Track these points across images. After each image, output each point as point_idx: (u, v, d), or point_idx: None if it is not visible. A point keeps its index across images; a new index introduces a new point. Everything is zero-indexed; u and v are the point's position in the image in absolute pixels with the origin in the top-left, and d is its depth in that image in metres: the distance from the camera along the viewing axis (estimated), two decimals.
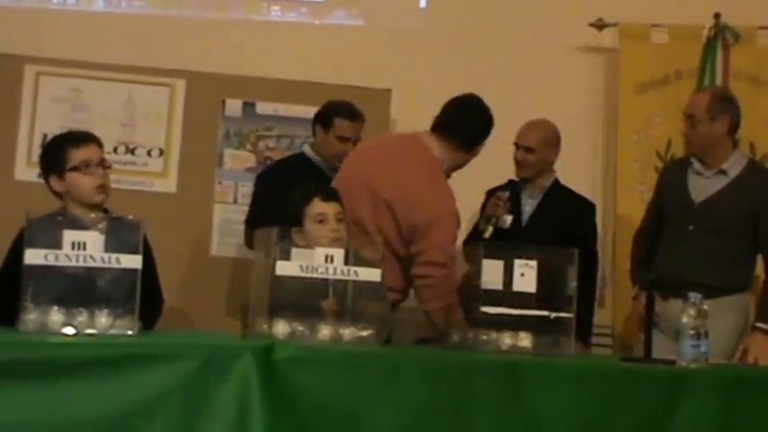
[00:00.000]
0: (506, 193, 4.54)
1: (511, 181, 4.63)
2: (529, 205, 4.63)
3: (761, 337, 3.98)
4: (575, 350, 3.31)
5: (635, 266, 4.51)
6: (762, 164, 5.03)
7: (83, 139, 3.53)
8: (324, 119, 4.76)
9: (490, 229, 4.48)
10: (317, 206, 3.50)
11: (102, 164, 3.50)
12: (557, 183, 4.68)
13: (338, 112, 4.74)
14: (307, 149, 4.88)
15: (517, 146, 4.62)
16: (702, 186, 4.26)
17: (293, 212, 3.51)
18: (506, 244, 3.57)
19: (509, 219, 4.56)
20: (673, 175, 4.41)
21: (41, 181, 3.57)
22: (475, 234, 4.60)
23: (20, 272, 2.77)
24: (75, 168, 3.45)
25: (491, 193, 4.63)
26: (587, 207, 4.74)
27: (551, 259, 3.22)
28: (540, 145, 4.59)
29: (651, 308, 3.46)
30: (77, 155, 3.46)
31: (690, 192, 4.27)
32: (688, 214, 4.24)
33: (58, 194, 3.51)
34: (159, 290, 3.62)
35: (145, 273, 2.85)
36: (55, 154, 3.50)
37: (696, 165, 4.28)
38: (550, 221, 4.54)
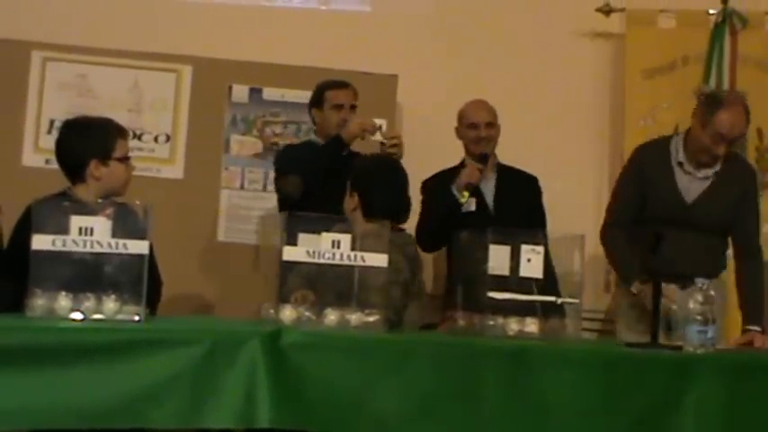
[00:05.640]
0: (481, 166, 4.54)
1: (484, 154, 4.57)
2: (487, 187, 4.60)
3: (755, 334, 3.93)
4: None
5: (627, 261, 4.20)
6: (738, 153, 4.83)
7: (126, 132, 3.64)
8: (316, 100, 4.76)
9: (466, 194, 4.45)
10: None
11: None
12: (499, 162, 4.68)
13: (326, 87, 4.75)
14: (313, 137, 4.90)
15: (475, 125, 4.60)
16: (693, 186, 4.14)
17: None
18: (512, 230, 3.52)
19: (473, 201, 4.53)
20: (657, 169, 4.21)
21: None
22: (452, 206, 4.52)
23: (24, 255, 2.78)
24: (118, 159, 3.53)
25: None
26: (535, 181, 4.73)
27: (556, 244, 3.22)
28: (495, 119, 4.63)
29: (658, 295, 3.43)
30: (123, 146, 3.57)
31: (681, 192, 4.14)
32: (679, 214, 4.11)
33: (77, 177, 3.51)
34: (157, 272, 3.63)
35: None
36: (105, 140, 3.53)
37: (687, 166, 4.14)
38: (513, 201, 4.56)
